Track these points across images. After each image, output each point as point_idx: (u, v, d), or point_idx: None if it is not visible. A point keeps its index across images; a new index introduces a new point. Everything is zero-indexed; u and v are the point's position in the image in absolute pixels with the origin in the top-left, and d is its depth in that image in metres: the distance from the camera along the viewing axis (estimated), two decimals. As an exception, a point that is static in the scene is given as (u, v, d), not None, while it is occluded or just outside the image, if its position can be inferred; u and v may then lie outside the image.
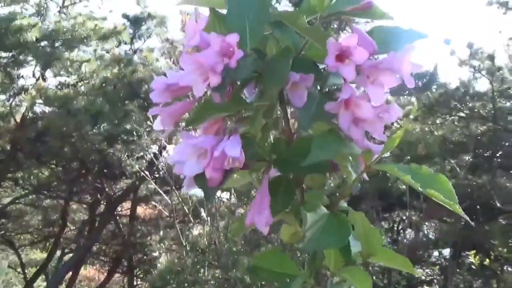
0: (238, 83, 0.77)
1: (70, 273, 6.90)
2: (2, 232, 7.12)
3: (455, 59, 5.11)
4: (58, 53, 5.23)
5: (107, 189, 6.33)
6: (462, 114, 5.42)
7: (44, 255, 7.79)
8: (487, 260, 5.39)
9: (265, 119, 0.83)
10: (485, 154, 5.65)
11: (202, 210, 4.26)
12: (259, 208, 0.82)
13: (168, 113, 0.83)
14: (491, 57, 5.11)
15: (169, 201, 4.94)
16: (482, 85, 5.41)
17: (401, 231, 5.71)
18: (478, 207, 5.24)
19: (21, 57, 5.22)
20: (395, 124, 5.34)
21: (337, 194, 0.90)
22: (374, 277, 4.69)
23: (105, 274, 7.93)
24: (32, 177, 6.51)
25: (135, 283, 7.59)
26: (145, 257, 7.07)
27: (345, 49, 0.70)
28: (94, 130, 5.18)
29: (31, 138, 5.35)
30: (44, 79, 5.76)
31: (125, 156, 4.93)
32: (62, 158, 5.94)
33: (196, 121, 0.79)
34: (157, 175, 5.26)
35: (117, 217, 7.38)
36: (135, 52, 6.33)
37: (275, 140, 0.87)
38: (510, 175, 5.41)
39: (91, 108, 4.74)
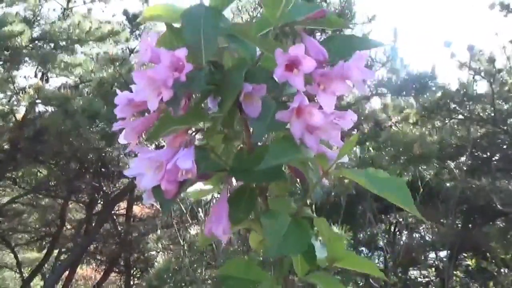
0: (195, 96, 0.78)
1: (67, 272, 6.93)
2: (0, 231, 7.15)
3: (455, 62, 5.10)
4: (54, 54, 5.26)
5: (104, 188, 6.36)
6: (461, 117, 5.41)
7: (41, 254, 7.82)
8: (484, 262, 5.38)
9: (226, 130, 0.84)
10: (484, 156, 5.64)
11: (199, 210, 4.27)
12: (217, 217, 0.83)
13: (132, 127, 0.85)
14: (491, 60, 5.09)
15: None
16: (482, 87, 5.40)
17: (397, 232, 5.70)
18: (476, 209, 5.24)
19: (16, 58, 5.25)
20: (393, 127, 5.35)
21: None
22: (371, 280, 4.69)
23: (102, 273, 7.95)
24: (30, 176, 6.54)
25: (131, 282, 7.60)
26: (142, 256, 7.10)
27: (293, 59, 0.71)
28: (92, 129, 5.21)
29: (29, 137, 5.38)
30: (47, 80, 5.81)
31: (122, 155, 4.95)
32: (60, 158, 5.96)
33: (156, 134, 0.80)
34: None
35: (114, 216, 7.41)
36: (132, 51, 6.35)
37: (237, 150, 0.88)
38: (509, 177, 5.39)
39: (88, 109, 4.76)
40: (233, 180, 0.89)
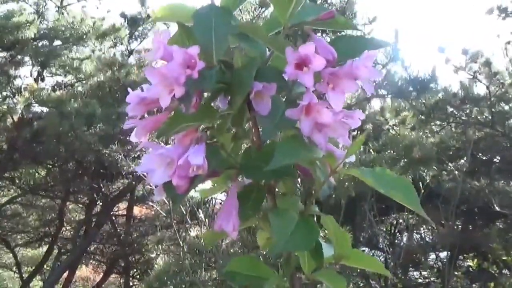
0: (206, 94, 0.80)
1: (66, 273, 6.92)
2: (-1, 231, 7.14)
3: (451, 66, 5.10)
4: (56, 52, 5.25)
5: (103, 189, 6.35)
6: (459, 120, 5.42)
7: (41, 254, 7.81)
8: (485, 263, 5.39)
9: (235, 128, 0.85)
10: (483, 158, 5.66)
11: (199, 211, 4.27)
12: (226, 214, 0.84)
13: (142, 125, 0.86)
14: (488, 63, 5.10)
15: (166, 201, 4.95)
16: (480, 89, 5.41)
17: (398, 233, 5.71)
18: (476, 210, 5.25)
19: (19, 56, 5.24)
20: (391, 131, 5.36)
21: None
22: (370, 280, 4.69)
23: (101, 274, 7.94)
24: (28, 177, 6.53)
25: (131, 283, 7.59)
26: (141, 257, 7.10)
27: (303, 57, 0.72)
28: (90, 131, 5.20)
29: (28, 138, 5.37)
30: (42, 79, 5.79)
31: (122, 156, 4.94)
32: (58, 158, 5.95)
33: (168, 131, 0.81)
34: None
35: (114, 217, 7.40)
36: (131, 53, 6.36)
37: (246, 148, 0.89)
38: (508, 179, 5.41)
39: (84, 112, 4.76)
40: (240, 178, 0.90)
